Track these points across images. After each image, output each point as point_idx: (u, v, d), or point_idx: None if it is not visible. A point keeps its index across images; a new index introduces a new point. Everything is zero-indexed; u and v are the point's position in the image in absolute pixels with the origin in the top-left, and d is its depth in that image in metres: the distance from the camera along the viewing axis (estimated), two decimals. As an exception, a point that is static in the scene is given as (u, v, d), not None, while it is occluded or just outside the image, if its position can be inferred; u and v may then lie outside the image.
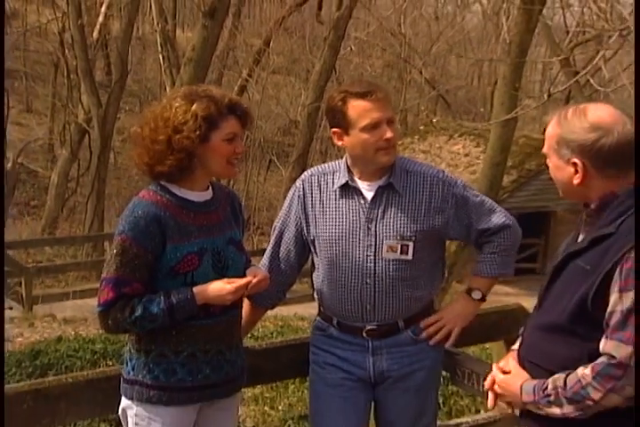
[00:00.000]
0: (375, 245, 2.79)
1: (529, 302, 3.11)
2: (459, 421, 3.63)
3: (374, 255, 2.79)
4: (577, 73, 13.63)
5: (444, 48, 27.72)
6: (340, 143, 2.81)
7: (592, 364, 2.06)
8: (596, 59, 11.96)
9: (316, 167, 3.00)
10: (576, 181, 2.18)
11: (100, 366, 5.55)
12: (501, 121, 11.38)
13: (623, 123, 2.12)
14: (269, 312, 3.27)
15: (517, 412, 2.31)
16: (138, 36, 25.82)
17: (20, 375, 5.43)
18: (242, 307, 2.77)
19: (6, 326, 8.19)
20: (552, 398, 2.12)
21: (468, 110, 29.92)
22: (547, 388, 2.14)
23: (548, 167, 2.31)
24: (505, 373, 2.35)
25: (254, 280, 2.56)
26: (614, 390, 2.01)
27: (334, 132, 2.80)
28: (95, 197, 17.87)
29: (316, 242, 2.88)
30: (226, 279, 2.53)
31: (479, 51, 29.96)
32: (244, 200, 18.25)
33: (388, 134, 2.72)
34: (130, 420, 2.62)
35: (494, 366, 2.42)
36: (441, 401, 4.71)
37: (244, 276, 2.58)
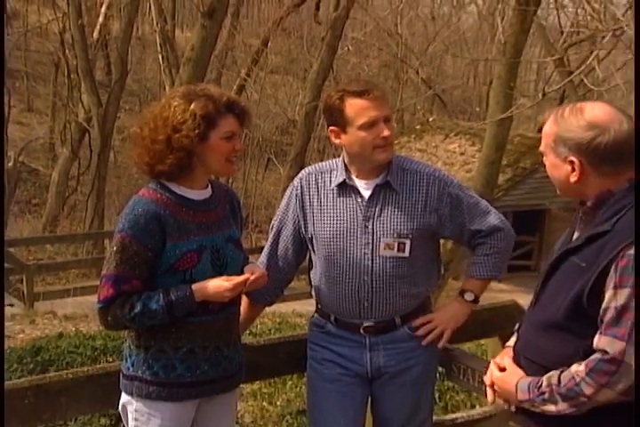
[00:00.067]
0: (372, 242, 2.79)
1: (524, 299, 3.11)
2: (454, 416, 3.63)
3: (371, 253, 2.79)
4: (571, 73, 13.62)
5: (440, 48, 27.70)
6: (337, 141, 2.81)
7: (586, 361, 2.06)
8: (590, 59, 11.95)
9: (313, 166, 3.00)
10: (573, 178, 2.18)
11: (100, 363, 5.54)
12: (497, 120, 11.39)
13: (619, 121, 2.12)
14: (267, 309, 3.27)
15: (513, 408, 2.31)
16: (137, 36, 25.80)
17: (21, 371, 5.42)
18: (240, 304, 2.77)
19: (8, 322, 8.20)
20: (547, 395, 2.12)
21: (464, 110, 29.91)
22: (541, 386, 2.14)
23: (543, 166, 2.31)
24: (501, 370, 2.35)
25: (252, 278, 2.56)
26: (608, 385, 2.01)
27: (332, 131, 2.80)
28: (95, 196, 17.85)
29: (314, 240, 2.88)
30: (224, 277, 2.53)
31: (475, 51, 29.94)
32: (242, 198, 18.24)
33: (386, 132, 2.72)
34: (130, 415, 2.62)
35: (492, 363, 2.42)
36: (437, 396, 4.72)
37: (242, 273, 2.59)
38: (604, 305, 2.04)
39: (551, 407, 2.12)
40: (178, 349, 2.56)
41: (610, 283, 2.03)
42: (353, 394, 2.89)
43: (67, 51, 21.04)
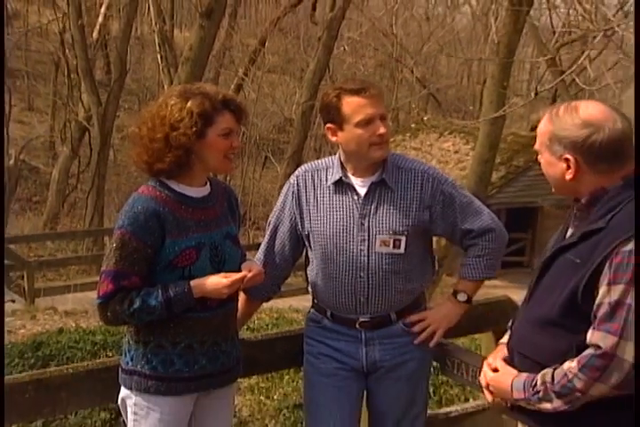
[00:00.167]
0: (368, 239, 2.79)
1: (517, 295, 3.11)
2: (449, 409, 3.64)
3: (367, 249, 2.79)
4: (563, 72, 13.63)
5: (435, 48, 27.70)
6: (334, 139, 2.80)
7: (578, 357, 2.06)
8: (582, 58, 11.98)
9: (309, 163, 2.99)
10: (568, 176, 2.18)
11: (100, 357, 5.53)
12: (490, 119, 11.40)
13: (614, 119, 2.12)
14: (265, 305, 3.26)
15: (509, 404, 2.31)
16: (136, 36, 25.78)
17: (22, 366, 5.42)
18: (238, 300, 2.76)
19: (9, 318, 8.19)
20: (541, 394, 2.12)
21: (458, 108, 29.92)
22: (536, 384, 2.14)
23: (538, 164, 2.30)
24: (494, 370, 2.35)
25: (250, 274, 2.56)
26: (600, 379, 2.01)
27: (328, 128, 2.79)
28: (95, 193, 17.85)
29: (311, 237, 2.88)
30: (222, 274, 2.52)
31: (468, 51, 29.94)
32: (240, 196, 18.18)
33: (382, 130, 2.71)
34: (129, 409, 2.62)
35: (485, 364, 2.42)
36: (431, 390, 4.72)
37: (239, 270, 2.58)
38: (597, 301, 2.04)
39: (547, 405, 2.12)
40: (176, 344, 2.55)
41: (604, 279, 2.03)
42: (349, 388, 2.89)
43: (67, 50, 21.02)
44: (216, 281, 2.50)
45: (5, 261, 10.37)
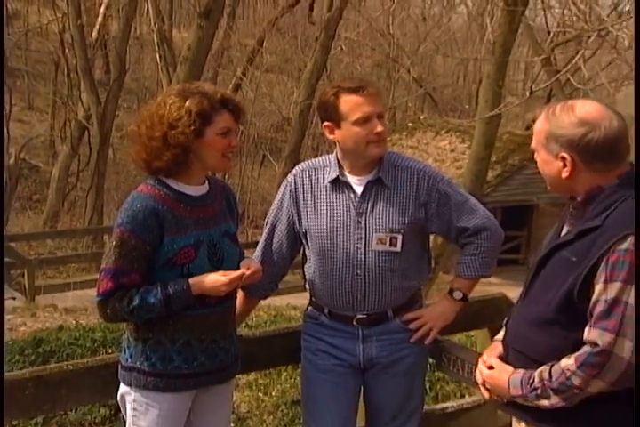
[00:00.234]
0: (365, 237, 2.78)
1: (512, 292, 3.11)
2: (445, 405, 3.64)
3: (364, 247, 2.79)
4: (558, 72, 13.64)
5: (431, 48, 27.69)
6: (331, 137, 2.80)
7: (575, 354, 2.06)
8: (576, 58, 11.97)
9: (306, 162, 2.99)
10: (564, 174, 2.18)
11: (99, 354, 5.54)
12: (486, 118, 11.39)
13: (610, 118, 2.13)
14: (263, 302, 3.26)
15: (505, 400, 2.31)
16: (136, 35, 25.71)
17: (22, 363, 5.41)
18: (236, 297, 2.76)
19: (10, 315, 8.19)
20: (539, 391, 2.12)
21: (454, 108, 29.92)
22: (533, 381, 2.14)
23: (532, 162, 2.31)
24: (489, 367, 2.35)
25: (248, 272, 2.56)
26: (598, 376, 2.02)
27: (326, 126, 2.79)
28: (95, 192, 17.83)
29: (308, 235, 2.88)
30: (221, 271, 2.52)
31: (464, 50, 29.95)
32: (238, 194, 18.18)
33: (379, 128, 2.71)
34: (128, 405, 2.62)
35: (480, 361, 2.42)
36: (428, 387, 4.72)
37: (238, 267, 2.58)
38: (594, 298, 2.05)
39: (544, 402, 2.12)
40: (175, 341, 2.55)
41: (600, 277, 2.03)
42: (346, 384, 2.89)
43: (66, 50, 20.97)
44: (214, 279, 2.50)
45: (6, 259, 10.37)
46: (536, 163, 2.30)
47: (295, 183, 2.90)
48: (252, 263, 2.65)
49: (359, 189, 2.81)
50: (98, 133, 17.42)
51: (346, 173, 2.83)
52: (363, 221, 2.78)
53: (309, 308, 3.01)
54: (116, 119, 19.39)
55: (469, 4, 29.15)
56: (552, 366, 2.11)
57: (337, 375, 2.88)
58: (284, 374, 5.43)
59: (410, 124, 21.35)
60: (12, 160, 18.77)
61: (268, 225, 2.98)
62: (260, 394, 5.21)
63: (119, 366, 2.64)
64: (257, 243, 3.08)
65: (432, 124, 20.28)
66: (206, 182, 2.67)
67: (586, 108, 2.15)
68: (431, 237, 3.04)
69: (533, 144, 2.27)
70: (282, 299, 8.80)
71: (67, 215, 20.06)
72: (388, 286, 2.82)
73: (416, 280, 2.92)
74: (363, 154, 2.76)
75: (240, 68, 21.30)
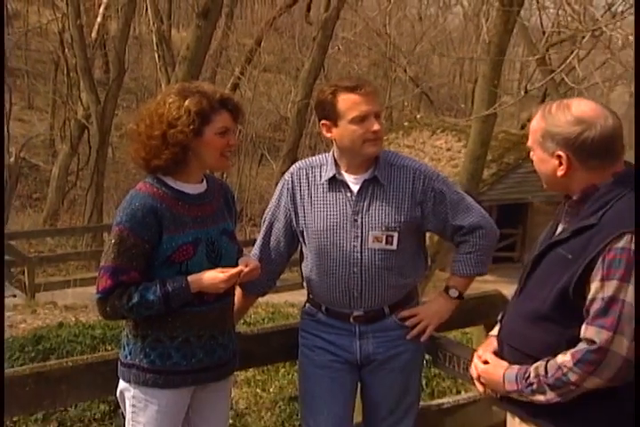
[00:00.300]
0: (361, 235, 2.78)
1: (507, 289, 3.12)
2: (441, 401, 3.64)
3: (360, 246, 2.79)
4: (552, 71, 13.64)
5: (427, 48, 27.70)
6: (328, 135, 2.80)
7: (571, 351, 2.06)
8: (570, 58, 11.99)
9: (303, 160, 2.98)
10: (560, 172, 2.18)
11: (99, 351, 5.53)
12: (481, 117, 11.40)
13: (605, 117, 2.13)
14: (261, 299, 3.26)
15: (498, 395, 2.31)
16: (135, 35, 25.69)
17: (23, 360, 5.41)
18: (234, 294, 2.76)
19: (10, 312, 8.18)
20: (535, 386, 2.12)
21: (450, 107, 29.91)
22: (529, 377, 2.14)
23: (527, 161, 2.31)
24: (484, 362, 2.35)
25: (246, 269, 2.56)
26: (595, 373, 2.02)
27: (323, 124, 2.79)
28: (94, 190, 17.81)
29: (305, 233, 2.88)
30: (219, 269, 2.52)
31: (460, 50, 29.93)
32: (236, 193, 18.22)
33: (376, 127, 2.71)
34: (127, 402, 2.62)
35: (475, 356, 2.42)
36: (424, 383, 4.72)
37: (236, 265, 2.58)
38: (590, 296, 2.05)
39: (540, 397, 2.13)
40: (174, 338, 2.55)
41: (596, 275, 2.04)
42: (342, 380, 2.89)
43: (66, 50, 20.94)
44: (213, 276, 2.50)
45: (6, 257, 10.36)
46: (532, 161, 2.30)
47: (292, 182, 2.90)
48: (250, 261, 2.65)
49: (355, 188, 2.81)
50: (97, 132, 17.40)
51: (342, 172, 2.83)
52: (359, 220, 2.78)
53: (307, 305, 3.01)
54: (116, 118, 19.37)
55: (465, 5, 29.13)
56: (548, 361, 2.11)
57: (334, 371, 2.88)
58: (282, 370, 5.43)
59: (406, 123, 21.34)
60: (12, 159, 18.75)
61: (266, 223, 2.98)
62: (258, 390, 5.20)
63: (118, 362, 2.64)
64: (255, 241, 3.08)
65: (428, 123, 20.27)
66: (204, 181, 2.67)
67: (581, 106, 2.16)
68: (427, 234, 3.04)
69: (529, 143, 2.27)
70: (280, 296, 8.79)
71: (66, 213, 20.04)
72: (384, 284, 2.82)
73: (412, 278, 2.92)
74: (359, 152, 2.75)
75: (238, 67, 21.27)
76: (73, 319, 7.65)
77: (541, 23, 20.32)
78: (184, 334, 2.56)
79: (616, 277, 2.00)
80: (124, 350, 2.62)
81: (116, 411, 4.46)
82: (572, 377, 2.04)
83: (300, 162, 2.99)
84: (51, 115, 25.69)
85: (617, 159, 2.17)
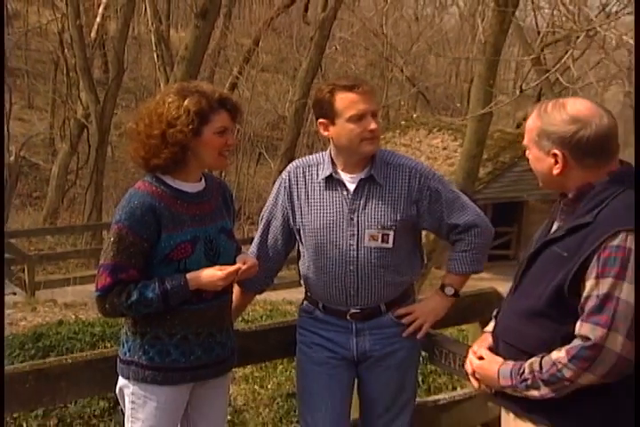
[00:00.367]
0: (357, 234, 2.78)
1: (503, 286, 3.12)
2: (437, 397, 3.64)
3: (357, 244, 2.79)
4: (547, 71, 13.64)
5: (424, 47, 27.70)
6: (325, 133, 2.79)
7: (566, 347, 2.06)
8: (565, 58, 11.99)
9: (300, 159, 2.98)
10: (556, 171, 2.18)
11: (98, 348, 5.52)
12: (477, 116, 11.41)
13: (600, 116, 2.13)
14: (259, 297, 3.26)
15: (493, 390, 2.31)
16: (134, 35, 25.66)
17: (23, 357, 5.40)
18: (232, 292, 2.76)
19: (10, 310, 8.17)
20: (529, 381, 2.13)
21: (446, 106, 29.91)
22: (523, 372, 2.15)
23: (522, 160, 2.31)
24: (479, 358, 2.35)
25: (244, 267, 2.56)
26: (589, 369, 2.03)
27: (321, 123, 2.78)
28: (94, 189, 17.81)
29: (302, 231, 2.88)
30: (217, 266, 2.52)
31: (456, 50, 29.95)
32: (234, 191, 18.21)
33: (373, 125, 2.71)
34: (127, 398, 2.62)
35: (470, 352, 2.42)
36: (420, 379, 4.73)
37: (234, 263, 2.58)
38: (585, 293, 2.05)
39: (534, 393, 2.13)
40: (172, 335, 2.55)
41: (591, 273, 2.04)
42: (340, 376, 2.89)
43: (65, 50, 20.93)
44: (211, 274, 2.49)
45: (6, 255, 10.36)
46: (527, 160, 2.30)
47: (289, 180, 2.90)
48: (247, 258, 2.65)
49: (352, 187, 2.80)
50: (96, 132, 17.39)
51: (339, 171, 2.83)
52: (355, 218, 2.78)
53: (305, 302, 3.01)
54: (115, 118, 19.35)
55: (461, 5, 29.20)
56: (542, 357, 2.11)
57: (331, 368, 2.88)
58: (280, 367, 5.43)
59: (403, 122, 21.33)
60: (12, 158, 18.74)
61: (264, 221, 2.98)
62: (256, 387, 5.21)
63: (118, 359, 2.64)
64: (253, 239, 3.08)
65: (425, 122, 20.27)
66: (203, 180, 2.67)
67: (577, 105, 2.16)
68: (423, 233, 3.04)
69: (525, 141, 2.27)
70: (278, 294, 8.80)
71: (66, 212, 20.03)
72: (380, 282, 2.82)
73: (408, 276, 2.92)
74: (356, 151, 2.75)
75: (236, 67, 21.26)
76: (73, 317, 7.65)
77: (536, 23, 20.35)
78: (182, 331, 2.56)
79: (611, 274, 2.01)
80: (124, 347, 2.62)
81: (115, 407, 4.46)
82: (567, 373, 2.05)
83: (297, 161, 2.98)
84: (50, 114, 25.66)
85: (612, 158, 2.17)
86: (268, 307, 8.08)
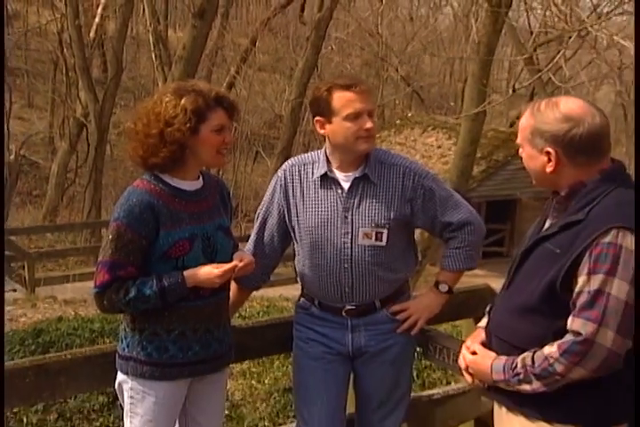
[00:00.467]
0: (352, 232, 2.78)
1: (496, 283, 3.12)
2: (431, 392, 3.64)
3: (351, 242, 2.79)
4: (540, 71, 13.66)
5: (418, 47, 27.70)
6: (322, 131, 2.79)
7: (558, 342, 2.07)
8: (557, 57, 12.02)
9: (296, 157, 2.97)
10: (549, 169, 2.18)
11: (97, 344, 5.53)
12: (471, 115, 11.42)
13: (592, 114, 2.14)
14: (256, 293, 3.26)
15: (486, 385, 2.32)
16: (132, 35, 25.59)
17: (23, 353, 5.41)
18: (229, 289, 2.76)
19: (10, 306, 8.17)
20: (521, 376, 2.13)
21: (441, 105, 29.93)
22: (516, 367, 2.15)
23: (516, 158, 2.32)
24: (472, 353, 2.36)
25: (241, 264, 2.55)
26: (580, 364, 2.03)
27: (317, 121, 2.78)
28: (93, 187, 17.79)
29: (297, 229, 2.88)
30: (214, 264, 2.52)
31: (450, 50, 29.94)
32: (232, 189, 18.15)
33: (369, 124, 2.71)
34: (125, 393, 2.62)
35: (463, 347, 2.43)
36: (415, 374, 4.73)
37: (231, 260, 2.58)
38: (577, 289, 2.06)
39: (526, 387, 2.14)
40: (170, 331, 2.55)
41: (583, 269, 2.04)
42: (335, 371, 2.89)
43: (65, 50, 20.89)
44: (208, 271, 2.49)
45: (7, 253, 10.36)
46: (521, 158, 2.30)
47: (285, 178, 2.90)
48: (244, 255, 2.65)
49: (346, 185, 2.80)
50: (95, 131, 17.37)
51: (334, 169, 2.82)
52: (349, 217, 2.78)
53: (301, 299, 3.01)
54: (114, 117, 19.32)
55: (455, 5, 29.13)
56: (534, 352, 2.12)
57: (327, 362, 2.88)
58: (277, 362, 5.44)
59: (398, 121, 21.36)
60: (12, 156, 18.72)
61: (260, 219, 2.98)
62: (253, 382, 5.21)
63: (116, 355, 2.63)
64: (250, 236, 3.07)
65: (419, 121, 20.29)
66: (200, 178, 2.66)
67: (570, 104, 2.16)
68: (418, 230, 3.04)
69: (519, 140, 2.27)
70: (274, 290, 8.80)
71: (65, 210, 20.00)
72: (374, 279, 2.82)
73: (402, 273, 2.92)
74: (351, 149, 2.75)
75: (233, 66, 21.25)
76: (72, 313, 7.64)
77: (529, 24, 20.37)
78: (180, 327, 2.56)
79: (602, 271, 2.01)
80: (122, 343, 2.62)
81: (114, 402, 4.47)
82: (558, 368, 2.05)
83: (292, 159, 2.98)
84: (50, 113, 25.63)
85: (603, 156, 2.18)
86: (264, 303, 8.08)
